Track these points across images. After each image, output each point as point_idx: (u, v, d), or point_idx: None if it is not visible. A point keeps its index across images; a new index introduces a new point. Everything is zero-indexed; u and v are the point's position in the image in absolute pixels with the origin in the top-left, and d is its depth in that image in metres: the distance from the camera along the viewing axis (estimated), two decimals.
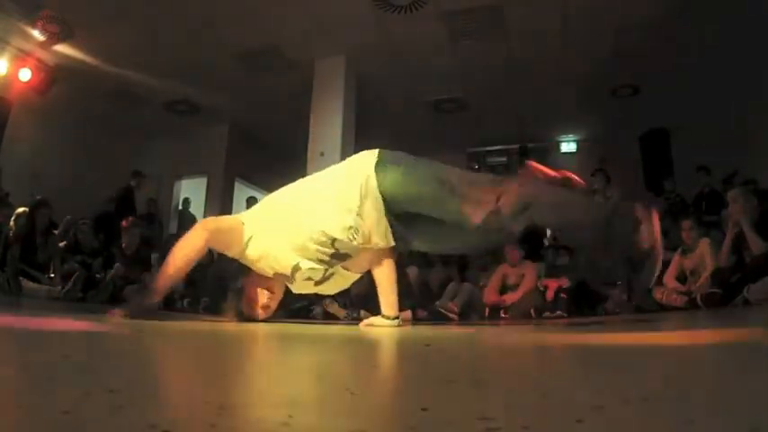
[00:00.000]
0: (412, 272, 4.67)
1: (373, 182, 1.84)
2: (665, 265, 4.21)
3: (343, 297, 4.62)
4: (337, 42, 5.77)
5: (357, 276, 2.18)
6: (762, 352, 0.96)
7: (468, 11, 5.17)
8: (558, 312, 4.17)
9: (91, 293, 4.82)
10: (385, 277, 2.22)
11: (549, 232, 5.24)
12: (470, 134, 7.78)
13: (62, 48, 5.85)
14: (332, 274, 2.07)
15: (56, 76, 6.15)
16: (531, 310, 4.24)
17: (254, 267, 2.04)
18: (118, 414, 0.40)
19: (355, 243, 1.89)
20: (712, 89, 6.19)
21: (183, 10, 5.18)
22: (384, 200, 1.85)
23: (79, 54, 5.95)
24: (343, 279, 2.15)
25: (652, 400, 0.49)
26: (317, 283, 2.09)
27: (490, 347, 1.35)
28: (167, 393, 0.52)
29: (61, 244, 5.26)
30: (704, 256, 3.86)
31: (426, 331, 2.08)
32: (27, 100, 6.33)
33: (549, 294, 4.30)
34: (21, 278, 4.65)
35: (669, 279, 4.01)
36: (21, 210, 4.94)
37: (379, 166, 1.87)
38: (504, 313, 4.33)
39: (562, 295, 4.26)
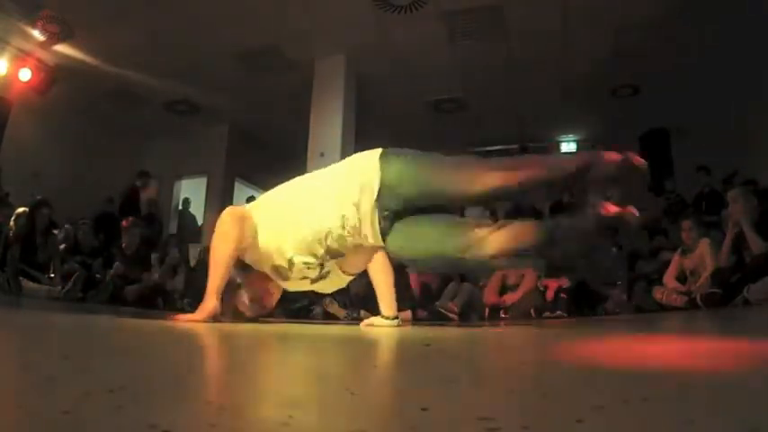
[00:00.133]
0: (412, 272, 4.68)
1: (372, 174, 1.82)
2: (665, 265, 4.22)
3: (343, 297, 4.63)
4: (337, 42, 5.77)
5: (353, 276, 2.18)
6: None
7: (468, 11, 5.17)
8: (558, 312, 4.16)
9: (91, 293, 4.82)
10: (382, 278, 2.22)
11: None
12: (470, 134, 7.77)
13: (62, 48, 5.84)
14: (328, 272, 2.07)
15: (56, 76, 6.14)
16: (531, 311, 4.24)
17: (255, 263, 2.05)
18: (118, 414, 0.40)
19: (346, 233, 1.87)
20: (712, 89, 6.18)
21: (182, 10, 5.18)
22: (390, 190, 1.82)
23: (79, 54, 5.95)
24: (339, 279, 2.15)
25: (652, 400, 0.49)
26: (313, 281, 2.09)
27: (490, 347, 1.35)
28: (167, 393, 0.52)
29: (61, 247, 5.26)
30: (704, 256, 3.86)
31: (426, 331, 2.08)
32: (27, 100, 6.32)
33: (549, 294, 4.30)
34: (21, 278, 4.65)
35: (669, 279, 4.01)
36: (21, 210, 4.94)
37: (383, 157, 1.87)
38: (504, 313, 4.33)
39: (562, 295, 4.26)
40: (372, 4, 5.08)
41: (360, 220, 1.84)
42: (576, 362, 0.93)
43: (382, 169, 1.82)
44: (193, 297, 4.83)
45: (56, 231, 5.34)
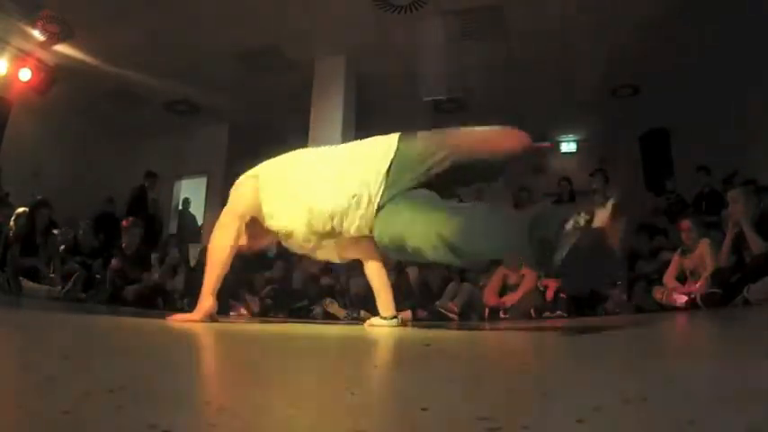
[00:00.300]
0: (412, 272, 4.68)
1: (384, 160, 1.79)
2: (665, 265, 4.22)
3: (343, 297, 4.63)
4: (337, 42, 5.77)
5: (346, 259, 2.20)
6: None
7: (468, 11, 5.17)
8: (558, 312, 4.16)
9: (91, 293, 4.82)
10: (376, 279, 2.23)
11: None
12: None
13: (62, 48, 5.84)
14: (325, 245, 2.06)
15: (56, 76, 6.14)
16: (531, 311, 4.24)
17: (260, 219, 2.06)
18: (118, 414, 0.40)
19: (352, 214, 1.83)
20: (712, 89, 6.18)
21: (182, 10, 5.18)
22: (410, 163, 1.78)
23: (79, 54, 5.95)
24: (336, 250, 2.14)
25: (652, 400, 0.49)
26: (310, 250, 2.09)
27: (490, 347, 1.35)
28: (167, 393, 0.52)
29: (61, 248, 5.26)
30: (704, 256, 3.86)
31: (426, 331, 2.08)
32: (27, 100, 6.32)
33: (549, 294, 4.30)
34: (21, 278, 4.65)
35: (669, 279, 4.01)
36: (21, 210, 4.94)
37: (403, 136, 1.87)
38: (504, 313, 4.33)
39: (562, 295, 4.25)
40: (372, 4, 5.08)
41: (369, 201, 1.78)
42: (576, 362, 0.93)
43: (402, 143, 1.81)
44: (193, 297, 4.83)
45: (56, 231, 5.34)
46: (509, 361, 0.99)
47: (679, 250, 4.11)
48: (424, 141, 1.85)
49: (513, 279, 4.48)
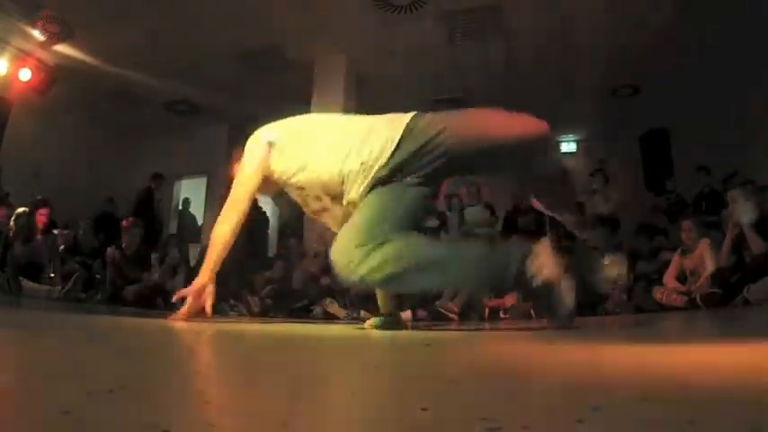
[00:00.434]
0: None
1: (394, 134, 1.78)
2: (665, 265, 4.22)
3: (343, 297, 4.63)
4: (337, 42, 5.77)
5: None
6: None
7: (468, 11, 5.17)
8: None
9: (91, 293, 4.82)
10: None
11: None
12: None
13: (62, 48, 5.84)
14: (333, 208, 2.00)
15: (56, 76, 6.14)
16: (532, 311, 4.24)
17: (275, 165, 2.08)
18: (118, 414, 0.40)
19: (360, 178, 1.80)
20: (712, 89, 6.18)
21: (182, 10, 5.18)
22: (421, 134, 1.76)
23: (79, 54, 5.95)
24: (340, 219, 2.12)
25: (652, 400, 0.49)
26: (315, 213, 2.07)
27: (490, 348, 1.35)
28: (167, 393, 0.52)
29: (61, 248, 5.26)
30: (704, 256, 3.86)
31: (426, 331, 2.08)
32: (27, 100, 6.33)
33: None
34: (21, 278, 4.65)
35: (669, 279, 4.01)
36: (21, 210, 4.94)
37: (416, 114, 1.86)
38: (504, 313, 4.33)
39: None
40: (372, 4, 5.08)
41: (370, 167, 1.76)
42: (575, 362, 0.93)
43: (415, 118, 1.79)
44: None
45: (56, 231, 5.34)
46: (509, 361, 0.99)
47: (679, 250, 4.11)
48: (437, 116, 1.85)
49: None
